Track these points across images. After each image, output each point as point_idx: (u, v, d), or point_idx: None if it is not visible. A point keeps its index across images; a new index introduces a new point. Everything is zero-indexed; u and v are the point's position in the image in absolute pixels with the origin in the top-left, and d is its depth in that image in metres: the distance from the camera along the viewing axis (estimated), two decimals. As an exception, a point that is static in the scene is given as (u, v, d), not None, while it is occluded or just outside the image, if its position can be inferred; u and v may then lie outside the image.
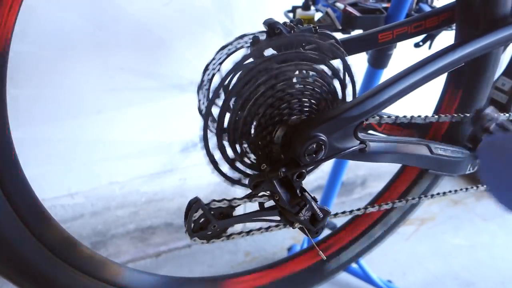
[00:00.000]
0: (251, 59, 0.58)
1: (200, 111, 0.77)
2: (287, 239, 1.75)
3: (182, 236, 1.67)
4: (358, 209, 0.80)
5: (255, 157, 0.63)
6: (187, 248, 1.69)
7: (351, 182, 2.01)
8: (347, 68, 0.62)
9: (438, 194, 0.90)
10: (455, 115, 0.80)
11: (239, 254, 1.68)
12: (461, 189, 0.91)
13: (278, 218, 0.67)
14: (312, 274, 0.96)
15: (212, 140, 0.59)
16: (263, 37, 0.68)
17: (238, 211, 0.67)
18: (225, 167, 0.62)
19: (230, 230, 0.68)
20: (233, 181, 0.63)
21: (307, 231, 0.65)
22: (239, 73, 0.57)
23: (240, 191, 0.65)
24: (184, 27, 1.28)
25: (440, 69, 0.69)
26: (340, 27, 1.02)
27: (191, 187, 1.59)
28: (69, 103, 1.26)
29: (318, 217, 0.63)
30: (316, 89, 0.62)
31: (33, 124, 1.22)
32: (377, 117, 0.71)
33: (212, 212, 0.63)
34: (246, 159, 0.63)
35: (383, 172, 1.97)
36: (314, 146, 0.60)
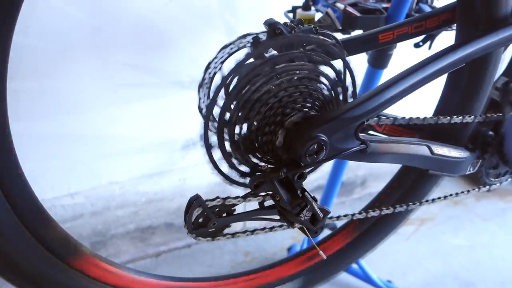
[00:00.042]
0: (252, 59, 0.58)
1: (200, 109, 0.77)
2: (287, 239, 1.75)
3: (182, 236, 1.67)
4: (360, 213, 0.80)
5: (255, 157, 0.63)
6: (187, 248, 1.69)
7: (351, 182, 2.01)
8: (348, 68, 0.62)
9: (439, 198, 0.90)
10: (456, 115, 0.80)
11: (239, 254, 1.68)
12: (462, 192, 0.91)
13: (277, 217, 0.67)
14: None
15: (213, 140, 0.59)
16: (265, 37, 0.68)
17: (238, 210, 0.67)
18: (225, 167, 0.62)
19: (229, 230, 0.68)
20: (233, 181, 0.63)
21: (306, 231, 0.65)
22: (239, 73, 0.57)
23: (239, 191, 0.65)
24: (186, 24, 1.28)
25: (440, 69, 0.69)
26: (340, 28, 1.02)
27: (191, 187, 1.59)
28: (69, 103, 1.26)
29: (318, 217, 0.63)
30: (317, 89, 0.61)
31: (32, 124, 1.22)
32: (378, 118, 0.71)
33: (212, 210, 0.63)
34: (246, 159, 0.63)
35: (383, 172, 1.97)
36: (315, 146, 0.60)
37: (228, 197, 0.65)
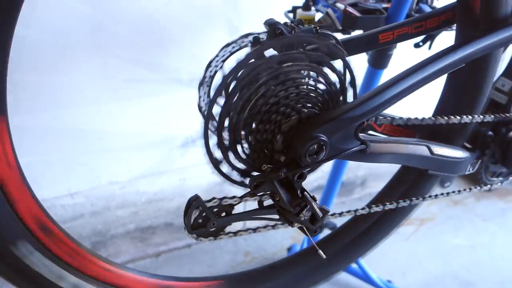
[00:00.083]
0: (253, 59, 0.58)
1: (199, 108, 0.77)
2: (287, 239, 1.75)
3: (182, 236, 1.67)
4: (363, 208, 0.80)
5: (255, 157, 0.63)
6: (187, 248, 1.69)
7: (351, 182, 2.01)
8: (348, 68, 0.62)
9: (442, 194, 0.90)
10: (455, 116, 0.80)
11: (239, 254, 1.68)
12: (464, 190, 0.91)
13: (277, 216, 0.67)
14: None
15: (213, 140, 0.59)
16: (265, 37, 0.68)
17: (238, 210, 0.67)
18: (225, 167, 0.62)
19: (230, 228, 0.68)
20: (233, 181, 0.63)
21: (306, 230, 0.65)
22: (240, 73, 0.57)
23: (238, 190, 0.65)
24: (189, 21, 1.28)
25: (440, 70, 0.69)
26: (341, 28, 1.02)
27: (191, 187, 1.59)
28: (69, 102, 1.26)
29: (318, 217, 0.63)
30: (317, 89, 0.61)
31: (32, 123, 1.22)
32: (378, 118, 0.71)
33: (211, 210, 0.64)
34: (246, 159, 0.63)
35: (382, 172, 1.97)
36: (315, 147, 0.60)
37: (224, 197, 0.65)
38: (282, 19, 1.10)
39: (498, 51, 0.82)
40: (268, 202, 0.68)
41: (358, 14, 1.01)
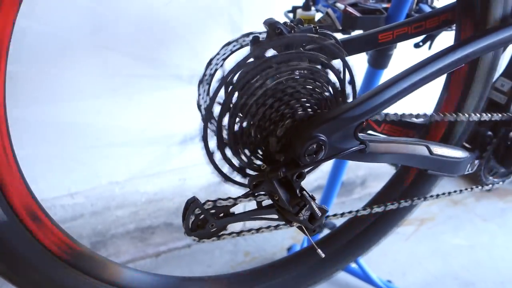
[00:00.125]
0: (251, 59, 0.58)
1: (199, 106, 0.77)
2: (287, 239, 1.75)
3: (182, 236, 1.67)
4: (364, 209, 0.80)
5: (255, 157, 0.63)
6: (187, 248, 1.69)
7: (351, 182, 2.01)
8: (347, 68, 0.62)
9: (443, 194, 0.91)
10: (455, 115, 0.80)
11: (238, 254, 1.68)
12: (466, 189, 0.91)
13: (276, 216, 0.67)
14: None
15: (212, 140, 0.59)
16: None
17: (238, 210, 0.67)
18: (225, 168, 0.62)
19: (232, 229, 0.68)
20: (232, 181, 0.63)
21: (305, 230, 0.65)
22: (239, 73, 0.57)
23: (236, 192, 0.65)
24: (190, 19, 1.28)
25: (440, 70, 0.69)
26: (341, 28, 1.02)
27: (191, 187, 1.59)
28: (69, 102, 1.26)
29: (317, 216, 0.63)
30: (316, 89, 0.62)
31: (32, 123, 1.23)
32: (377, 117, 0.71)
33: (210, 211, 0.64)
34: (246, 159, 0.63)
35: (382, 172, 1.97)
36: (314, 146, 0.60)
37: (219, 199, 0.64)
38: (283, 18, 1.10)
39: (497, 51, 0.82)
40: (266, 202, 0.68)
41: (358, 14, 1.01)
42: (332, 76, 0.62)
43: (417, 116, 0.75)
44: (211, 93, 0.57)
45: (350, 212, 0.80)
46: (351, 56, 0.69)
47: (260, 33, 0.71)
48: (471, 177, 0.93)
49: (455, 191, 0.91)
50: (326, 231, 1.21)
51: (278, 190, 0.61)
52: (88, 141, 1.33)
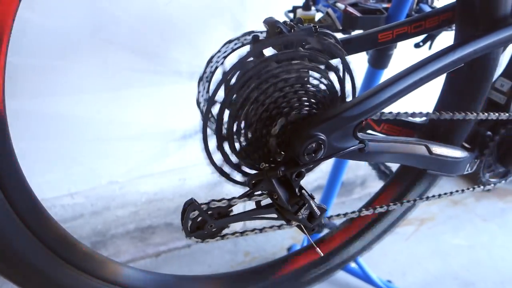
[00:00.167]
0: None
1: (198, 103, 0.77)
2: (287, 239, 1.75)
3: (181, 236, 1.66)
4: (367, 209, 0.81)
5: (254, 156, 0.63)
6: (187, 248, 1.69)
7: (351, 182, 2.01)
8: (346, 67, 0.62)
9: (445, 194, 0.91)
10: (454, 115, 0.80)
11: (238, 254, 1.68)
12: (468, 189, 0.91)
13: (275, 216, 0.67)
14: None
15: (212, 139, 0.59)
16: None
17: (238, 210, 0.67)
18: (225, 167, 0.62)
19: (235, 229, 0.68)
20: (232, 180, 0.63)
21: (304, 228, 0.65)
22: (238, 72, 0.57)
23: (237, 191, 0.65)
24: (195, 16, 1.28)
25: (439, 69, 0.69)
26: (341, 28, 1.02)
27: (191, 187, 1.59)
28: (68, 101, 1.26)
29: (316, 215, 0.63)
30: (315, 88, 0.62)
31: (32, 124, 1.23)
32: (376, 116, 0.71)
33: (208, 212, 0.64)
34: (245, 158, 0.63)
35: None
36: (314, 145, 0.60)
37: (212, 200, 0.64)
38: (284, 18, 1.10)
39: (497, 51, 0.82)
40: (265, 202, 0.68)
41: (358, 14, 1.01)
42: (332, 75, 0.62)
43: (417, 115, 0.75)
44: (210, 90, 0.57)
45: (353, 212, 0.80)
46: (351, 56, 0.69)
47: (261, 32, 0.71)
48: (471, 177, 0.93)
49: (457, 191, 0.90)
50: (325, 231, 1.21)
51: (277, 189, 0.61)
52: (88, 135, 1.33)
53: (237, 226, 0.68)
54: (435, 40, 1.15)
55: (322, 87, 0.62)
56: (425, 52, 1.11)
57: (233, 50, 0.73)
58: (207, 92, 0.75)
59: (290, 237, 1.75)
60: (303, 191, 0.63)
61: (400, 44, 1.02)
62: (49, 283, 0.67)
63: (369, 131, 0.86)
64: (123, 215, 1.53)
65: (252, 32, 0.73)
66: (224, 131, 0.58)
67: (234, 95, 0.57)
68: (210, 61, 0.74)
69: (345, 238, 0.99)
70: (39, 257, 0.65)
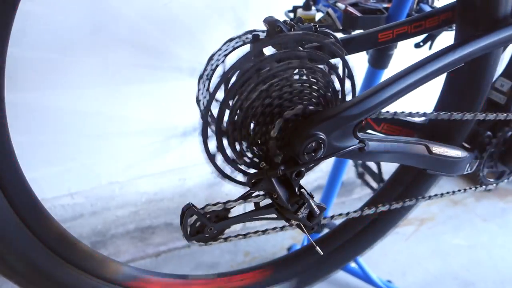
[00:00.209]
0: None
1: (197, 101, 0.77)
2: (287, 239, 1.75)
3: (181, 236, 1.67)
4: (370, 208, 0.81)
5: (254, 156, 0.63)
6: (187, 248, 1.69)
7: (351, 182, 2.01)
8: (346, 67, 0.62)
9: (448, 193, 0.90)
10: (454, 115, 0.80)
11: (239, 254, 1.68)
12: (470, 188, 0.91)
13: (274, 216, 0.67)
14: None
15: (212, 139, 0.59)
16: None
17: (238, 211, 0.67)
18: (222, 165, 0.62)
19: (228, 232, 0.68)
20: (231, 180, 0.63)
21: (303, 227, 0.65)
22: (238, 71, 0.58)
23: (237, 191, 0.65)
24: (197, 14, 1.28)
25: (439, 69, 0.69)
26: (341, 27, 1.02)
27: (191, 187, 1.59)
28: (69, 103, 1.26)
29: (315, 214, 0.63)
30: (315, 88, 0.62)
31: (32, 125, 1.23)
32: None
33: (207, 216, 0.64)
34: (245, 158, 0.63)
35: (382, 172, 1.97)
36: (313, 144, 0.60)
37: (207, 205, 0.64)
38: (285, 18, 1.10)
39: (497, 50, 0.82)
40: (264, 202, 0.68)
41: (358, 14, 1.01)
42: (331, 75, 0.62)
43: (417, 115, 0.75)
44: (211, 88, 0.56)
45: (355, 211, 0.79)
46: (351, 55, 0.69)
47: (263, 31, 0.71)
48: (471, 177, 0.93)
49: (459, 190, 0.90)
50: (325, 231, 1.21)
51: (277, 188, 0.61)
52: (87, 131, 1.32)
53: (239, 229, 0.68)
54: (435, 40, 1.15)
55: (322, 86, 0.62)
56: (425, 52, 1.11)
57: (234, 49, 0.73)
58: (207, 90, 0.74)
59: (290, 237, 1.75)
60: (302, 190, 0.63)
61: (400, 44, 1.02)
62: (49, 283, 0.67)
63: (369, 131, 0.86)
64: (123, 215, 1.53)
65: (254, 30, 0.73)
66: (223, 130, 0.58)
67: (234, 95, 0.57)
68: (211, 59, 0.74)
69: (345, 237, 0.99)
70: (39, 257, 0.65)
